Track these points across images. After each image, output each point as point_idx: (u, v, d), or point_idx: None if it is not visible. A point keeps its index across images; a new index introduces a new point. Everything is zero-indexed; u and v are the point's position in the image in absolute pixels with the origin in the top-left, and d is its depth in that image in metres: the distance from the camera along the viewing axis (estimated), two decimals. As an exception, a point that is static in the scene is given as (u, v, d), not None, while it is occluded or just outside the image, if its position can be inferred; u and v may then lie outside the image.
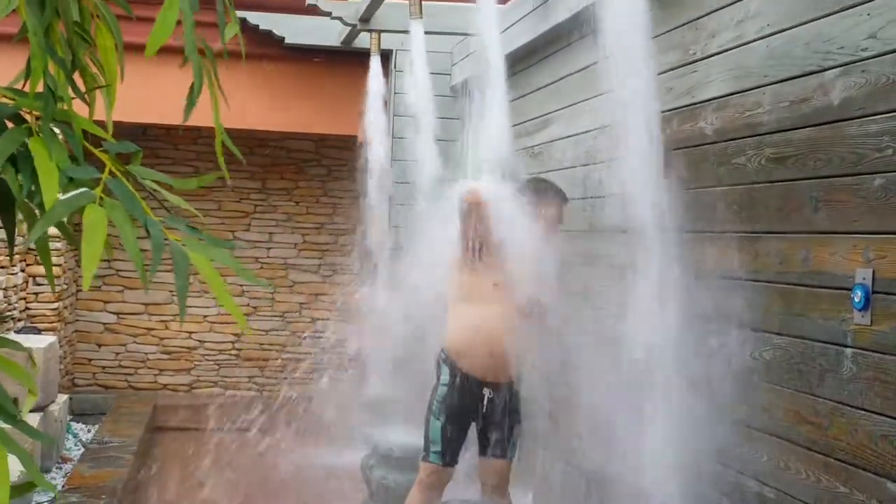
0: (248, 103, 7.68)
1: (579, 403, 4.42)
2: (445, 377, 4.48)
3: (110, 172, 1.32)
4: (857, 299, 2.90)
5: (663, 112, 3.97)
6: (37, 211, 1.36)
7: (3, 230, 1.39)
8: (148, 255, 1.26)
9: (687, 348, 3.64)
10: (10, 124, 1.36)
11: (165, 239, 1.29)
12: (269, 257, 9.63)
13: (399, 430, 5.82)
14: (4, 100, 1.40)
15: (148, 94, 6.60)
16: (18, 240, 1.44)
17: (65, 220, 1.29)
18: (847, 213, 2.98)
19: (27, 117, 1.37)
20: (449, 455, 4.48)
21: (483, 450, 4.54)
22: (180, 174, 9.25)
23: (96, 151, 1.38)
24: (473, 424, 4.53)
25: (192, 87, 1.41)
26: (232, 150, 1.45)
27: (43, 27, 1.35)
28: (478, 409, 4.45)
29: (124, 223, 1.26)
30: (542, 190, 4.60)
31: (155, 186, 1.37)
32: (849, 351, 2.95)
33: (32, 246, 1.31)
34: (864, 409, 2.87)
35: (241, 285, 9.24)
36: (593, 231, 4.88)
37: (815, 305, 3.13)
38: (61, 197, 1.23)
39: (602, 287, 4.64)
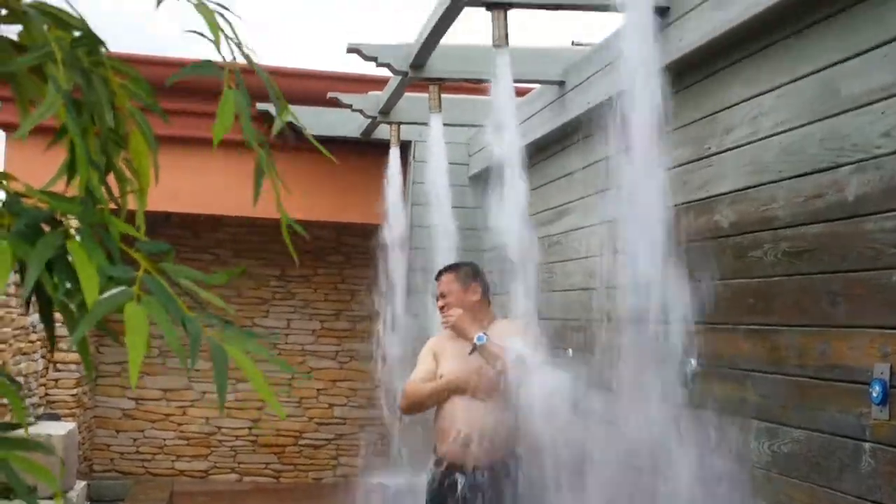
0: (269, 192, 7.76)
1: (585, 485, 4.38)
2: (430, 464, 4.56)
3: (145, 270, 1.36)
4: (875, 394, 2.90)
5: (679, 205, 4.02)
6: (73, 308, 1.40)
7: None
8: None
9: (704, 440, 3.63)
10: (45, 227, 1.40)
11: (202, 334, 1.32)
12: (287, 344, 9.66)
13: None
14: (38, 203, 1.45)
15: (172, 185, 6.70)
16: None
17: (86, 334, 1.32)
18: (865, 307, 2.99)
19: (61, 219, 1.41)
20: None
21: None
22: (202, 261, 9.34)
23: (130, 251, 1.42)
24: None
25: (256, 172, 1.46)
26: (288, 244, 1.49)
27: (79, 132, 1.41)
28: (457, 499, 4.44)
29: (164, 319, 1.29)
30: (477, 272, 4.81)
31: (188, 284, 1.41)
32: (867, 445, 2.94)
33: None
34: (885, 505, 2.86)
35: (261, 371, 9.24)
36: (609, 321, 4.89)
37: (833, 399, 3.13)
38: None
39: (617, 376, 4.63)
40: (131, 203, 1.55)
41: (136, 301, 1.28)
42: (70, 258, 1.34)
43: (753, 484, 3.52)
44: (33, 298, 1.42)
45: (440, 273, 4.82)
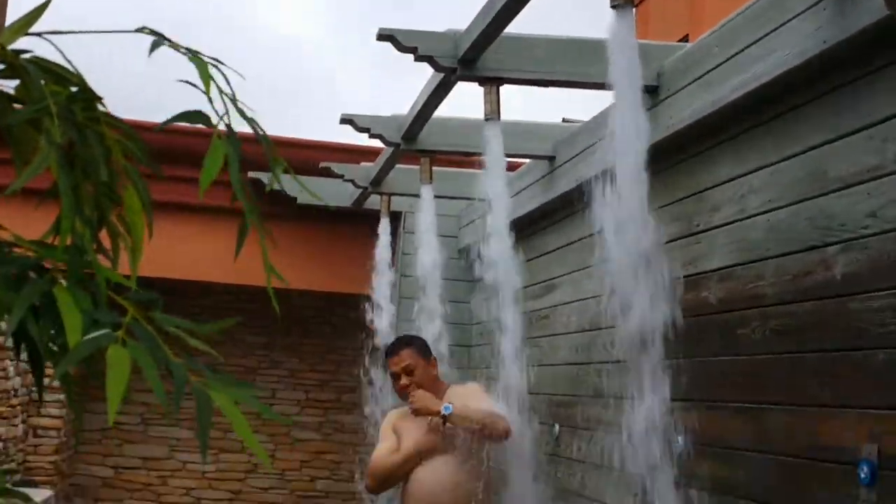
0: (258, 261, 7.77)
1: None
2: None
3: (132, 316, 1.35)
4: (863, 475, 2.88)
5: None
6: (58, 350, 1.38)
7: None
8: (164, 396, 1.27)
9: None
10: (32, 275, 1.39)
11: (188, 380, 1.30)
12: (271, 414, 9.57)
13: None
14: (30, 253, 1.44)
15: (159, 251, 6.69)
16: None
17: (71, 372, 1.30)
18: (852, 387, 2.98)
19: (49, 267, 1.40)
20: None
21: None
22: (187, 328, 9.27)
23: (119, 299, 1.42)
24: None
25: (241, 229, 1.44)
26: (274, 302, 1.48)
27: (70, 187, 1.41)
28: None
29: (148, 363, 1.28)
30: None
31: (177, 332, 1.40)
32: (855, 527, 2.91)
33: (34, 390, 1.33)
34: (872, 588, 2.82)
35: (241, 440, 9.15)
36: (598, 396, 4.88)
37: (821, 480, 3.10)
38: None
39: (605, 450, 4.60)
40: (124, 266, 1.54)
41: (119, 344, 1.27)
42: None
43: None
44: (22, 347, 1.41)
45: (396, 348, 4.70)
